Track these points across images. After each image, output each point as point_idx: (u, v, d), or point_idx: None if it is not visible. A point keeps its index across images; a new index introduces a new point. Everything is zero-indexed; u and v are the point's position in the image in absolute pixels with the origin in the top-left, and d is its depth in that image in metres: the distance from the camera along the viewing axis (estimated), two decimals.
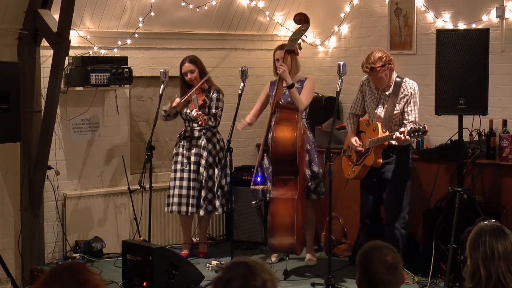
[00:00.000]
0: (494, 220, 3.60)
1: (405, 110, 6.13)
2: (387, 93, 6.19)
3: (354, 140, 6.29)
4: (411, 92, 6.14)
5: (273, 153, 6.49)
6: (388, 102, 6.17)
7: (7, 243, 6.74)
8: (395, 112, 6.14)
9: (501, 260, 3.25)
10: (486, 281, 3.24)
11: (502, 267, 3.24)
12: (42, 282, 2.43)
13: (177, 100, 7.03)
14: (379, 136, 6.10)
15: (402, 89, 6.16)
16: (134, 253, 6.08)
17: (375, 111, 6.24)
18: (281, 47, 6.91)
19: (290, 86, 6.63)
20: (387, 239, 6.00)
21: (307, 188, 6.70)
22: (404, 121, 6.08)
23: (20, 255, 6.69)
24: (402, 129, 5.89)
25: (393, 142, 6.08)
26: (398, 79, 6.20)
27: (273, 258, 6.98)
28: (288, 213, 6.39)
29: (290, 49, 6.73)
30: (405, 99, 6.14)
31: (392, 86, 6.18)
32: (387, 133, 6.07)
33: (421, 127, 5.79)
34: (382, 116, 6.18)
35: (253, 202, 6.62)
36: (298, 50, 6.82)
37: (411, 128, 5.83)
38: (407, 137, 5.82)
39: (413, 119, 6.08)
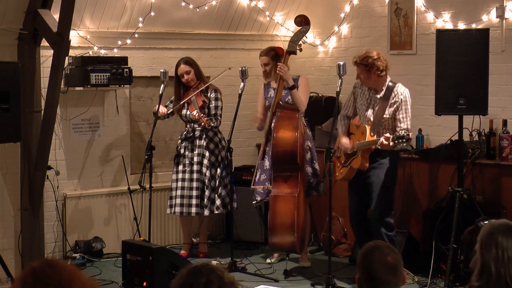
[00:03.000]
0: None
1: (397, 117, 6.11)
2: (378, 96, 6.18)
3: (345, 142, 6.30)
4: (402, 99, 6.10)
5: (275, 152, 6.50)
6: (378, 105, 6.17)
7: (7, 243, 6.74)
8: (385, 116, 6.13)
9: (511, 263, 3.20)
10: (496, 281, 3.19)
11: (511, 269, 3.18)
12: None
13: (163, 110, 7.03)
14: (366, 140, 6.11)
15: (393, 94, 6.14)
16: (134, 253, 6.07)
17: (366, 114, 6.24)
18: (265, 52, 6.91)
19: (292, 87, 6.63)
20: None
21: (309, 185, 6.71)
22: (396, 128, 6.07)
23: (20, 255, 6.69)
24: (387, 135, 5.89)
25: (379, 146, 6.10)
26: (390, 84, 6.18)
27: (273, 259, 6.99)
28: (289, 210, 6.41)
29: (291, 50, 6.74)
30: (395, 105, 6.12)
31: (384, 90, 6.17)
32: (375, 137, 6.07)
33: (405, 135, 5.79)
34: (371, 119, 6.19)
35: (253, 202, 6.61)
36: (298, 51, 6.82)
37: (396, 134, 5.84)
38: (391, 143, 5.83)
39: (405, 126, 6.05)
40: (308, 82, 6.87)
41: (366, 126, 6.17)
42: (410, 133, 5.84)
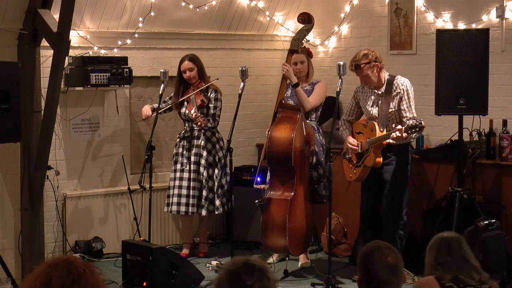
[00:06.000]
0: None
1: (401, 108, 6.12)
2: (380, 92, 6.20)
3: (352, 140, 6.30)
4: (403, 89, 6.13)
5: (268, 152, 6.46)
6: (382, 101, 6.18)
7: (7, 243, 6.74)
8: (390, 110, 6.14)
9: (458, 254, 3.53)
10: (446, 273, 3.46)
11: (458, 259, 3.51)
12: (36, 273, 2.41)
13: (146, 113, 7.05)
14: (377, 136, 6.11)
15: (394, 87, 6.16)
16: (134, 253, 6.08)
17: (372, 113, 6.25)
18: (295, 51, 6.76)
19: (295, 85, 6.61)
20: (386, 241, 6.00)
21: (314, 191, 6.68)
22: (403, 119, 6.08)
23: (20, 255, 6.69)
24: (399, 126, 5.89)
25: (391, 141, 6.09)
26: (389, 77, 6.20)
27: (274, 258, 6.98)
28: (281, 214, 6.35)
29: (293, 49, 6.71)
30: (398, 97, 6.14)
31: (385, 85, 6.18)
32: (385, 132, 6.07)
33: (417, 123, 5.78)
34: (377, 115, 6.19)
35: (256, 201, 6.58)
36: (311, 51, 6.83)
37: (407, 125, 5.83)
38: (404, 134, 5.82)
39: (411, 115, 6.08)
40: (324, 87, 6.80)
41: (374, 123, 6.17)
42: (422, 121, 5.81)
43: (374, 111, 6.22)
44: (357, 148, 6.26)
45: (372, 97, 6.26)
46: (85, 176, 7.30)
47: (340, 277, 6.37)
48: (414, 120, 5.89)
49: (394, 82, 6.17)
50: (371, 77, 6.16)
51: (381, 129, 6.10)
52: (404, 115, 6.10)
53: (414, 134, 5.87)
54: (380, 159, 6.14)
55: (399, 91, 6.13)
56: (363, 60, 6.13)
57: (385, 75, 6.22)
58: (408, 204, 6.27)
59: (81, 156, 7.28)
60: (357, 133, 6.38)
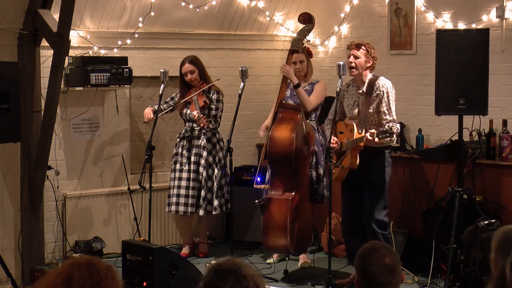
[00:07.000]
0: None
1: (381, 110, 6.08)
2: (361, 91, 6.17)
3: (332, 138, 6.27)
4: (383, 91, 6.07)
5: (270, 152, 6.45)
6: (362, 101, 6.15)
7: (7, 243, 6.74)
8: (370, 111, 6.11)
9: None
10: None
11: None
12: (59, 270, 2.41)
13: (148, 116, 7.06)
14: (354, 138, 6.08)
15: (375, 88, 6.12)
16: (134, 253, 6.07)
17: (352, 112, 6.23)
18: (296, 51, 6.80)
19: (297, 86, 6.61)
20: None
21: (313, 191, 6.67)
22: (383, 122, 6.04)
23: (20, 255, 6.69)
24: (372, 130, 5.86)
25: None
26: (372, 77, 6.15)
27: (274, 258, 6.98)
28: (282, 213, 6.35)
29: (293, 49, 6.71)
30: (377, 99, 6.10)
31: (366, 84, 6.14)
32: (363, 133, 6.03)
33: (388, 130, 5.74)
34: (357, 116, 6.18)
35: (256, 201, 6.58)
36: (311, 51, 6.87)
37: (380, 130, 5.80)
38: (376, 139, 5.79)
39: (390, 118, 6.03)
40: (324, 87, 6.81)
41: (354, 124, 6.14)
42: (393, 127, 5.76)
43: (355, 111, 6.20)
44: (336, 146, 6.21)
45: (354, 97, 6.24)
46: (85, 176, 7.31)
47: (340, 277, 6.36)
48: (388, 125, 5.84)
49: (376, 83, 6.13)
50: (361, 62, 6.13)
51: (360, 131, 6.06)
52: (384, 117, 6.05)
53: (386, 140, 5.82)
54: (357, 161, 6.08)
55: (379, 92, 6.09)
56: (367, 46, 6.15)
57: (369, 75, 6.18)
58: (388, 206, 6.20)
59: (81, 156, 7.28)
60: (339, 133, 6.33)
